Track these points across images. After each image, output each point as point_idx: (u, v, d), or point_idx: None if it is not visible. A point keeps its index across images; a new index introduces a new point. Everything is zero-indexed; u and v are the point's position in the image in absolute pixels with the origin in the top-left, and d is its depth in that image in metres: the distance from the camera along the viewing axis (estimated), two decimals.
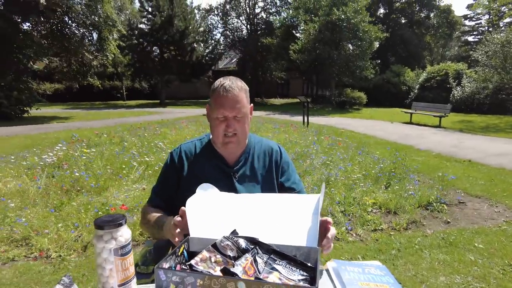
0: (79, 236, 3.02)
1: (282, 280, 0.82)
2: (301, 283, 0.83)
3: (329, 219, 1.05)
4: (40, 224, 3.14)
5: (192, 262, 0.90)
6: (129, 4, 28.21)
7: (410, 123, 12.61)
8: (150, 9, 23.99)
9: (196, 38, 26.20)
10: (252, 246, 0.93)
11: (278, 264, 0.90)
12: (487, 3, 26.69)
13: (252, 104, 1.37)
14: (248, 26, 29.54)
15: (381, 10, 32.49)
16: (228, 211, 1.11)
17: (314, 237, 0.97)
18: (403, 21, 32.61)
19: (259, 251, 0.93)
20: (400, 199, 3.76)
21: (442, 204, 3.74)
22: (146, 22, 24.48)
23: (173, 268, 0.89)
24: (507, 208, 3.74)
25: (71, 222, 3.20)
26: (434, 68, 20.53)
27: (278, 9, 29.49)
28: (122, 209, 3.40)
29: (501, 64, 15.86)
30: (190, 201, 1.08)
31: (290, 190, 1.38)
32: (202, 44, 28.71)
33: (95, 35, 15.99)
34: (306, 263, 0.91)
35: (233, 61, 33.72)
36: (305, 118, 10.83)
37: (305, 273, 0.88)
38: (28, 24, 14.27)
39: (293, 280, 0.84)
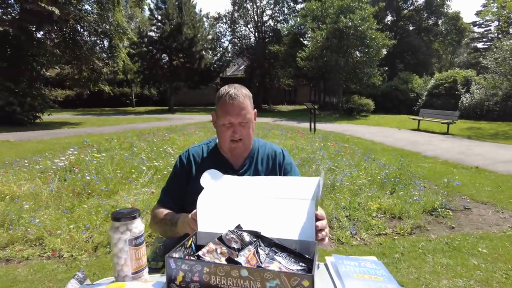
0: (90, 237, 3.12)
1: (282, 269, 0.89)
2: (299, 272, 0.90)
3: (317, 212, 1.05)
4: (53, 225, 3.25)
5: (200, 253, 0.98)
6: (139, 13, 28.74)
7: (418, 130, 12.56)
8: (159, 17, 24.45)
9: (205, 45, 26.56)
10: (255, 239, 1.01)
11: (279, 256, 0.97)
12: (496, 9, 26.54)
13: (255, 110, 1.45)
14: (256, 33, 29.84)
15: (389, 18, 32.56)
16: (233, 202, 1.16)
17: (311, 227, 1.03)
18: (411, 28, 32.61)
19: (261, 244, 1.00)
20: (405, 205, 3.79)
21: (447, 210, 3.76)
22: (155, 30, 24.93)
23: (182, 258, 0.97)
24: None
25: (83, 224, 3.30)
26: (443, 75, 20.44)
27: (286, 17, 29.77)
28: None
29: (510, 70, 15.74)
30: (200, 198, 1.15)
31: None
32: (210, 52, 29.04)
33: (106, 43, 16.36)
34: (305, 255, 0.98)
35: (241, 68, 34.02)
36: (312, 125, 10.89)
37: (303, 264, 0.95)
38: (41, 32, 14.68)
39: (291, 270, 0.91)
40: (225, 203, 1.17)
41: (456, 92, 18.63)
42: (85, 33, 15.63)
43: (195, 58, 24.99)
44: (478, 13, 34.44)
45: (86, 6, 15.22)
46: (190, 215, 1.16)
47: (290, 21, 29.00)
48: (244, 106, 1.33)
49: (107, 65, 16.76)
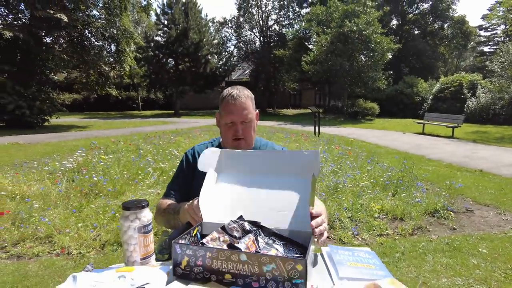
0: (97, 236, 3.21)
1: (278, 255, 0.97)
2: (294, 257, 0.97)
3: (312, 211, 1.07)
4: (62, 223, 3.34)
5: (204, 241, 1.05)
6: (146, 17, 29.12)
7: (423, 133, 12.54)
8: (166, 22, 24.77)
9: (210, 50, 26.85)
10: (255, 229, 1.08)
11: (277, 244, 1.05)
12: (502, 13, 26.44)
13: (257, 111, 1.52)
14: (261, 38, 30.03)
15: (394, 22, 32.56)
16: (233, 189, 1.22)
17: (306, 214, 1.07)
18: (416, 32, 32.56)
19: (261, 233, 1.08)
20: (407, 206, 3.83)
21: (449, 212, 3.79)
22: (162, 34, 25.26)
23: (188, 244, 1.04)
24: None
25: (90, 223, 3.39)
26: (448, 79, 20.37)
27: (291, 21, 29.92)
28: None
29: None
30: (202, 191, 1.19)
31: None
32: (216, 56, 29.33)
33: (113, 47, 16.62)
34: (302, 244, 1.05)
35: (246, 72, 34.22)
36: (317, 128, 10.94)
37: (299, 252, 1.02)
38: (50, 38, 14.97)
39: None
40: (225, 191, 1.22)
41: (462, 96, 18.55)
42: (93, 38, 15.90)
43: (200, 63, 25.25)
44: (484, 17, 34.34)
45: (94, 12, 15.51)
46: (187, 204, 1.21)
47: (295, 26, 29.19)
48: (245, 107, 1.40)
49: (114, 69, 17.01)
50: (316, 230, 1.04)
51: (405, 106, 21.58)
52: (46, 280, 2.44)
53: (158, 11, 24.98)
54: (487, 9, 33.57)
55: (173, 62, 25.61)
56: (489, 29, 35.74)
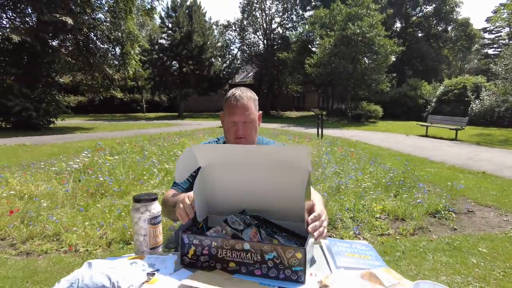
0: (104, 234, 3.28)
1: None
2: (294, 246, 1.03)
3: (309, 218, 1.05)
4: (69, 222, 3.42)
5: (207, 233, 1.11)
6: (150, 20, 29.39)
7: (426, 136, 12.55)
8: (170, 25, 25.00)
9: (214, 53, 27.03)
10: (257, 222, 1.15)
11: (278, 235, 1.11)
12: (507, 15, 26.38)
13: (260, 112, 1.58)
14: (265, 41, 30.18)
15: (398, 24, 32.61)
16: (229, 183, 1.19)
17: (302, 212, 1.08)
18: (420, 34, 32.56)
19: (263, 225, 1.14)
20: (408, 207, 3.87)
21: (450, 212, 3.82)
22: (166, 37, 25.48)
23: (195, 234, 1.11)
24: None
25: (97, 222, 3.47)
26: (452, 82, 20.36)
27: (294, 24, 30.07)
28: None
29: None
30: (196, 189, 1.16)
31: None
32: (219, 59, 29.52)
33: (118, 50, 16.80)
34: (302, 235, 1.11)
35: (249, 75, 34.36)
36: (320, 130, 10.99)
37: (299, 243, 1.08)
38: (57, 41, 15.17)
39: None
40: (220, 186, 1.22)
41: (466, 99, 18.53)
42: (98, 41, 16.09)
43: (204, 65, 25.44)
44: (488, 19, 34.24)
45: (100, 15, 15.71)
46: (180, 202, 1.16)
47: (299, 28, 29.32)
48: (248, 107, 1.46)
49: (119, 71, 17.19)
50: (315, 233, 1.04)
51: (409, 108, 21.58)
52: (55, 276, 2.51)
53: (163, 14, 25.24)
54: (491, 12, 33.43)
55: (177, 65, 25.82)
56: (493, 32, 35.59)
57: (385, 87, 20.59)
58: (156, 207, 1.10)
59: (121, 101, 26.32)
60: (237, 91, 1.49)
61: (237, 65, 30.77)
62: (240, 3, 29.68)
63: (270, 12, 30.23)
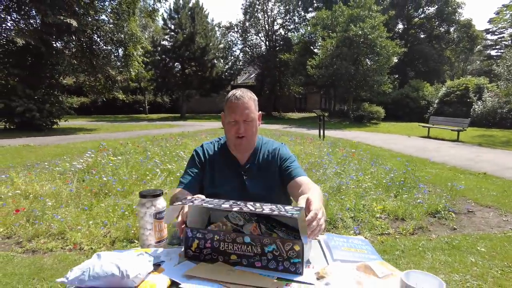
0: (107, 233, 3.34)
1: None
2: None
3: (308, 217, 1.03)
4: (74, 221, 3.48)
5: (209, 228, 1.17)
6: (153, 22, 29.56)
7: (428, 137, 12.55)
8: (172, 27, 25.11)
9: (216, 54, 27.13)
10: (256, 217, 1.20)
11: (277, 230, 1.16)
12: (509, 17, 26.32)
13: (260, 112, 1.62)
14: (267, 42, 30.26)
15: (400, 26, 32.59)
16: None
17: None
18: (422, 36, 32.51)
19: (263, 220, 1.19)
20: (408, 207, 3.91)
21: (450, 212, 3.86)
22: (168, 39, 25.59)
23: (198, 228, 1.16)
24: None
25: (101, 220, 3.53)
26: (454, 83, 20.34)
27: (296, 25, 30.13)
28: None
29: None
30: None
31: (286, 170, 1.55)
32: (222, 60, 29.59)
33: (120, 52, 16.90)
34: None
35: (251, 76, 34.45)
36: (321, 131, 11.02)
37: (298, 237, 1.13)
38: (60, 42, 15.29)
39: None
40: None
41: (468, 100, 18.51)
42: (101, 42, 16.20)
43: (207, 67, 25.53)
44: (491, 21, 34.17)
45: (103, 17, 15.81)
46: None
47: (301, 30, 29.37)
48: (248, 107, 1.51)
49: (121, 73, 17.29)
50: (313, 235, 1.02)
51: (411, 110, 21.58)
52: (61, 273, 2.56)
53: (165, 16, 25.35)
54: (494, 13, 33.35)
55: (180, 66, 25.92)
56: (496, 33, 35.48)
57: (387, 89, 20.61)
58: (161, 203, 1.15)
59: (124, 102, 26.43)
60: (238, 91, 1.54)
61: (239, 66, 30.85)
62: (242, 4, 29.96)
63: (272, 13, 30.33)
